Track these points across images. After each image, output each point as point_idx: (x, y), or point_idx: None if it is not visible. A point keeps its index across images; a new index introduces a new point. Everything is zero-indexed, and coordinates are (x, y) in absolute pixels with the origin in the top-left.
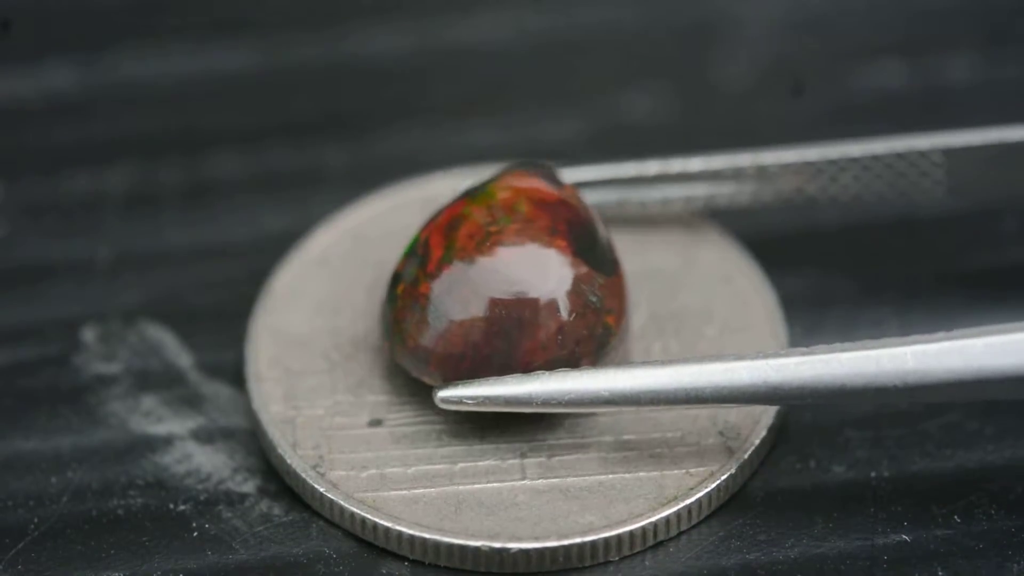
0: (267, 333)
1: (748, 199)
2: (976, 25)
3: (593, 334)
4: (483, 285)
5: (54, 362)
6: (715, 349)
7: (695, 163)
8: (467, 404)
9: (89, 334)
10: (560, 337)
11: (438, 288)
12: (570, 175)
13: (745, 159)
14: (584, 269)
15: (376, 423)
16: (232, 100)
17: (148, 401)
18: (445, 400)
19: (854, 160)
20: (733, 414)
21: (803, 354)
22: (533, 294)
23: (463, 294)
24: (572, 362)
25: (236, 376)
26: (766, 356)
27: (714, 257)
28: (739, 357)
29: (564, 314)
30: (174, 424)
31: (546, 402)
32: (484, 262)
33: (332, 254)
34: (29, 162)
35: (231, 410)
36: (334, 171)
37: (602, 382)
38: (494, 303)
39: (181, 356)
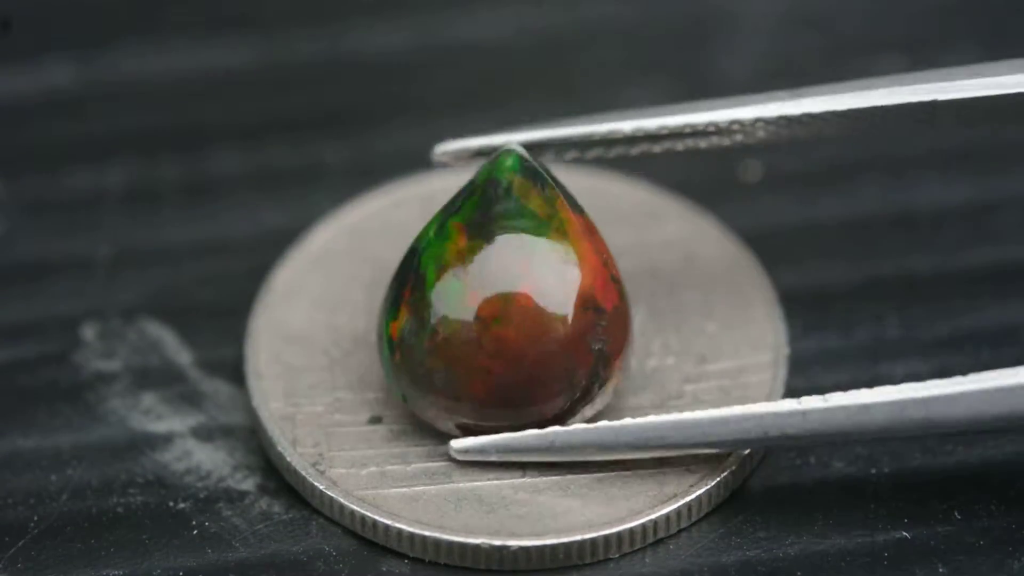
0: (267, 330)
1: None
2: (976, 22)
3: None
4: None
5: (54, 359)
6: (716, 346)
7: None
8: (489, 456)
9: (89, 331)
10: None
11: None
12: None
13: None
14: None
15: (376, 420)
16: (232, 97)
17: (148, 398)
18: (461, 451)
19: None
20: None
21: (824, 402)
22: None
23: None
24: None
25: (236, 373)
26: (792, 409)
27: (714, 253)
28: (755, 409)
29: (576, 372)
30: (174, 421)
31: (563, 454)
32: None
33: (332, 251)
34: (29, 159)
35: (231, 407)
36: (334, 168)
37: (621, 435)
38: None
39: (181, 353)
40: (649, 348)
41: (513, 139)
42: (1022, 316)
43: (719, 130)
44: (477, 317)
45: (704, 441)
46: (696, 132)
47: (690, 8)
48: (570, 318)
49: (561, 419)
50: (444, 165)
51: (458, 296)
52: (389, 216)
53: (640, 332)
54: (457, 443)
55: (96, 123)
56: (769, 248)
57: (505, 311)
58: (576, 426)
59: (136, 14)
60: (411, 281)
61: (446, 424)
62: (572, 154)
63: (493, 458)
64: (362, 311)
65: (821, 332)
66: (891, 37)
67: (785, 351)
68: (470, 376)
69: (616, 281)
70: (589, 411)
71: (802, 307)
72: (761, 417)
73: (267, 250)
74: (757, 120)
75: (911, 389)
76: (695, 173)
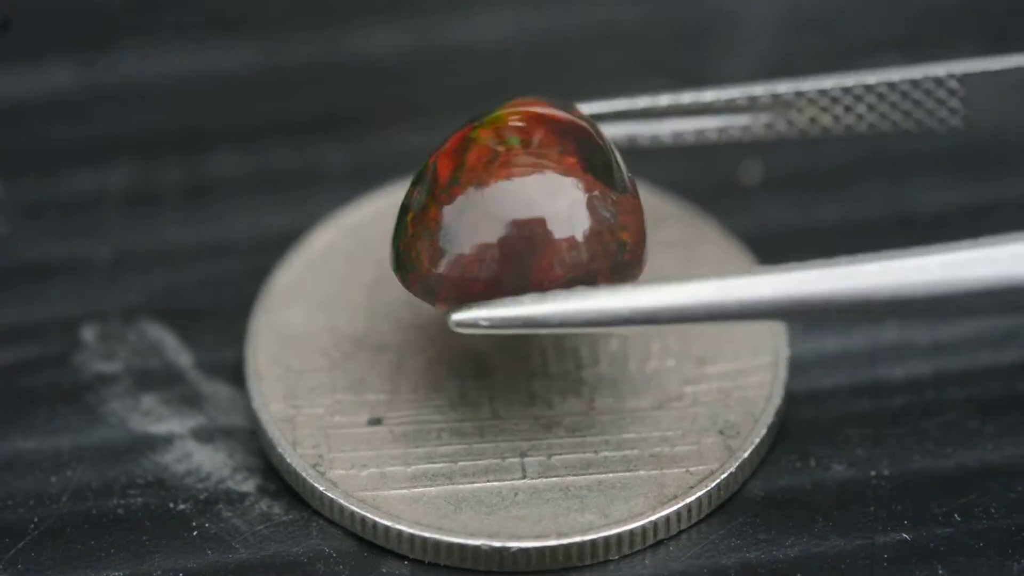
0: (267, 332)
1: (761, 130)
2: (976, 23)
3: (607, 251)
4: (494, 206)
5: (54, 361)
6: (715, 348)
7: (708, 95)
8: (483, 327)
9: (89, 333)
10: (574, 254)
11: (448, 213)
12: (582, 109)
13: (758, 89)
14: (596, 185)
15: (376, 422)
16: (232, 99)
17: (148, 400)
18: (460, 323)
19: (869, 88)
20: (733, 413)
21: (825, 266)
22: (544, 212)
23: (474, 217)
24: (588, 282)
25: (236, 375)
26: (786, 270)
27: (714, 255)
28: (761, 271)
29: (577, 231)
30: (174, 423)
31: (564, 322)
32: (494, 184)
33: (332, 252)
34: (29, 161)
35: (231, 409)
36: (334, 170)
37: (621, 300)
38: (505, 224)
39: (181, 355)
40: (649, 350)
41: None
42: (1021, 319)
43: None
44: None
45: (701, 311)
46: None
47: (690, 9)
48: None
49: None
50: None
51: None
52: (389, 218)
53: (640, 333)
54: (458, 314)
55: (97, 125)
56: (769, 249)
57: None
58: (579, 289)
59: (136, 15)
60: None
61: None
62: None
63: (487, 328)
64: (362, 313)
65: (820, 334)
66: (891, 37)
67: (785, 353)
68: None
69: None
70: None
71: None
72: (784, 282)
73: (267, 252)
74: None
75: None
76: (695, 174)
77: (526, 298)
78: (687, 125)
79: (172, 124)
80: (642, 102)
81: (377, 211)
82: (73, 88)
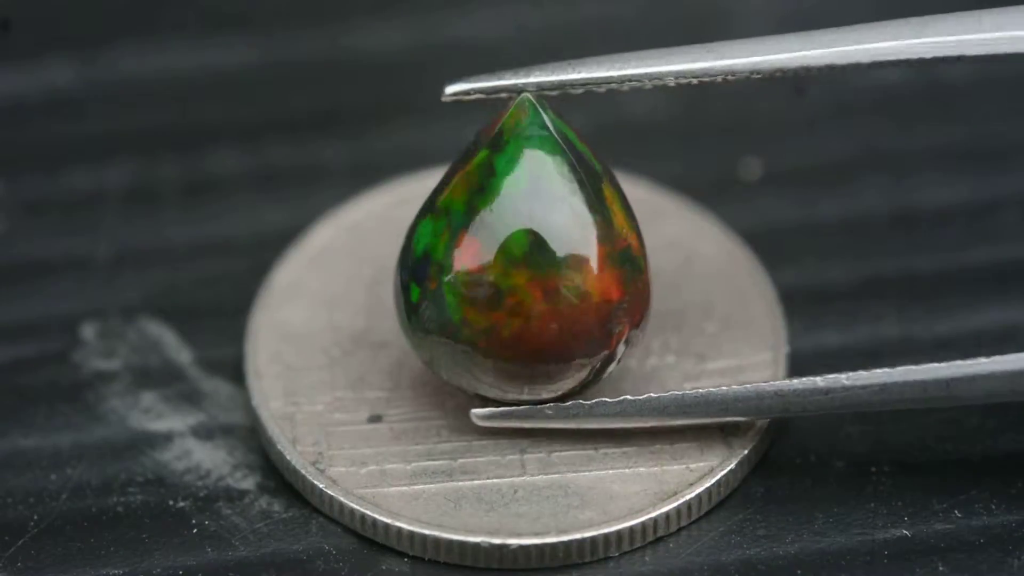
0: (267, 329)
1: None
2: None
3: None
4: None
5: (54, 359)
6: (715, 345)
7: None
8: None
9: (89, 331)
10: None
11: None
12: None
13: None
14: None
15: (376, 419)
16: (232, 96)
17: (148, 398)
18: (482, 417)
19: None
20: None
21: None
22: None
23: None
24: None
25: (236, 372)
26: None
27: (714, 252)
28: (777, 386)
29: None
30: (174, 421)
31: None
32: None
33: (332, 250)
34: (28, 159)
35: (231, 406)
36: (334, 167)
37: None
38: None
39: (181, 352)
40: (649, 347)
41: (526, 82)
42: (1022, 316)
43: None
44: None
45: (725, 410)
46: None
47: (689, 8)
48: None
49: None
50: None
51: None
52: (389, 215)
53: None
54: (479, 411)
55: (96, 122)
56: (769, 247)
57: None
58: (598, 400)
59: (136, 14)
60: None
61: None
62: (579, 91)
63: (514, 424)
64: (362, 310)
65: (821, 331)
66: None
67: (785, 350)
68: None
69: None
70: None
71: (802, 306)
72: (783, 394)
73: (267, 249)
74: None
75: (930, 369)
76: (695, 172)
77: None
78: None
79: (171, 122)
80: (617, 72)
81: (377, 208)
82: (73, 86)
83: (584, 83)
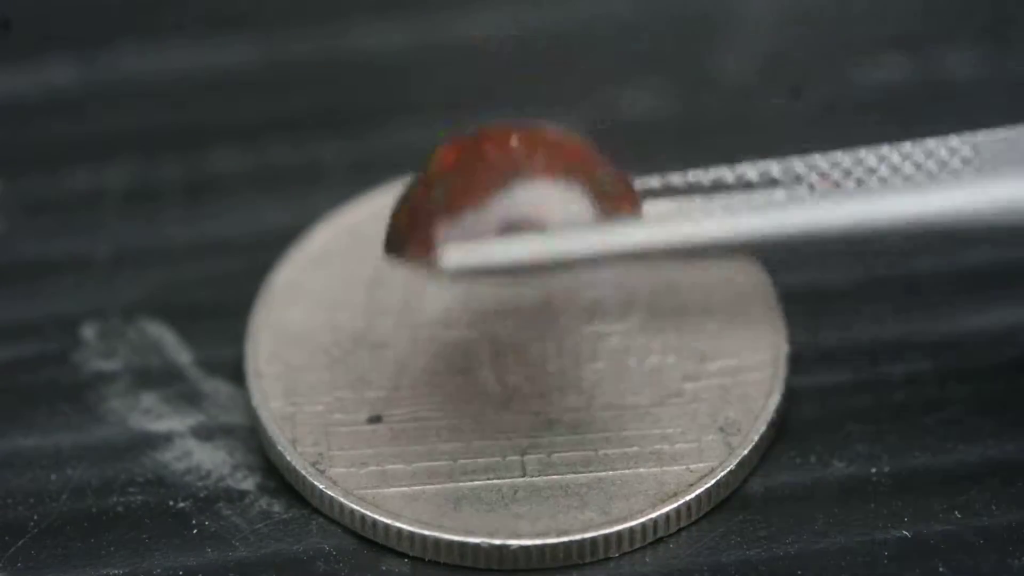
0: (267, 329)
1: None
2: (979, 19)
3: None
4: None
5: (53, 359)
6: (715, 345)
7: (725, 174)
8: (475, 266)
9: (89, 331)
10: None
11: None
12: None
13: (777, 169)
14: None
15: (376, 419)
16: (232, 96)
17: (148, 398)
18: (453, 265)
19: (882, 159)
20: (733, 410)
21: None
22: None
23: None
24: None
25: (236, 373)
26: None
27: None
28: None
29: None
30: (174, 421)
31: (557, 260)
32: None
33: (332, 250)
34: (28, 158)
35: (231, 407)
36: (334, 167)
37: (617, 236)
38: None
39: (181, 353)
40: (649, 346)
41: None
42: (1022, 316)
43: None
44: None
45: (696, 243)
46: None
47: (690, 7)
48: None
49: None
50: None
51: None
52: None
53: (640, 331)
54: (450, 254)
55: (96, 123)
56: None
57: None
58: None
59: (136, 14)
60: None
61: None
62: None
63: (482, 266)
64: (362, 311)
65: (821, 331)
66: (891, 36)
67: (785, 350)
68: None
69: None
70: None
71: (802, 306)
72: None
73: (267, 249)
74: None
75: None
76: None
77: (517, 239)
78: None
79: (172, 121)
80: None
81: (377, 208)
82: (73, 85)
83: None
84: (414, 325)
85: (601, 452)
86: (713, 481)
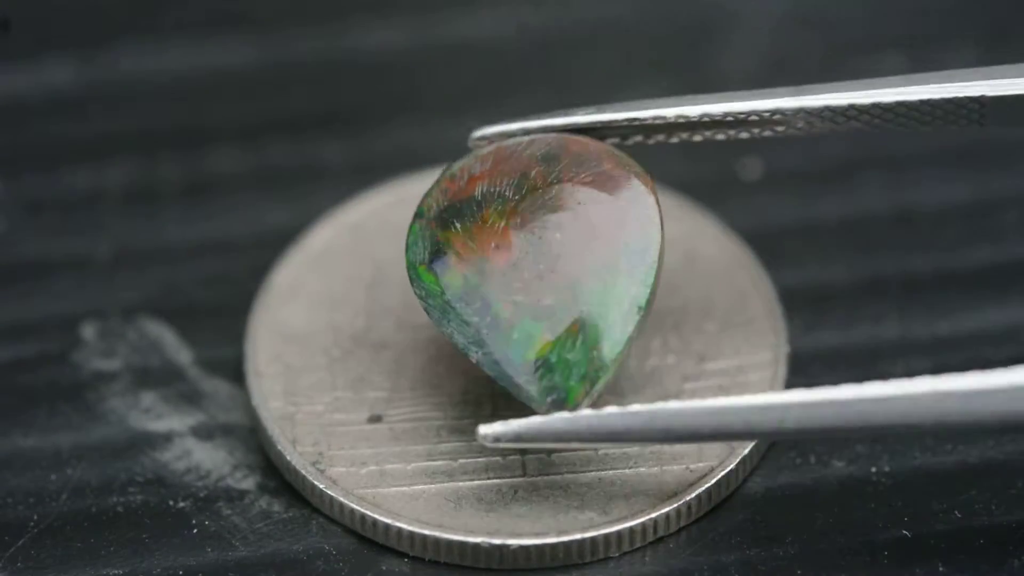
0: (267, 329)
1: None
2: (976, 20)
3: None
4: None
5: (54, 359)
6: (715, 345)
7: (717, 107)
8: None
9: (89, 331)
10: None
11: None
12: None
13: (766, 103)
14: None
15: (376, 419)
16: (231, 96)
17: (148, 398)
18: (489, 437)
19: (884, 107)
20: None
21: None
22: None
23: None
24: None
25: (236, 372)
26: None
27: (714, 252)
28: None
29: None
30: (174, 421)
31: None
32: None
33: (332, 250)
34: (28, 158)
35: (231, 406)
36: (334, 166)
37: (656, 419)
38: None
39: (181, 352)
40: (649, 347)
41: (551, 123)
42: (1022, 316)
43: (760, 120)
44: None
45: (740, 430)
46: (737, 121)
47: (690, 7)
48: None
49: None
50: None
51: None
52: (389, 215)
53: (640, 331)
54: (485, 429)
55: (96, 122)
56: (769, 247)
57: None
58: (609, 409)
59: (136, 14)
60: None
61: None
62: (612, 141)
63: (523, 444)
64: (362, 310)
65: (821, 331)
66: (891, 37)
67: (785, 350)
68: None
69: None
70: None
71: (802, 306)
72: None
73: (267, 249)
74: (798, 110)
75: (926, 383)
76: (695, 172)
77: (557, 418)
78: (695, 136)
79: (171, 121)
80: (647, 112)
81: (377, 208)
82: (72, 86)
83: (605, 125)
84: (414, 325)
85: (601, 452)
86: (713, 481)
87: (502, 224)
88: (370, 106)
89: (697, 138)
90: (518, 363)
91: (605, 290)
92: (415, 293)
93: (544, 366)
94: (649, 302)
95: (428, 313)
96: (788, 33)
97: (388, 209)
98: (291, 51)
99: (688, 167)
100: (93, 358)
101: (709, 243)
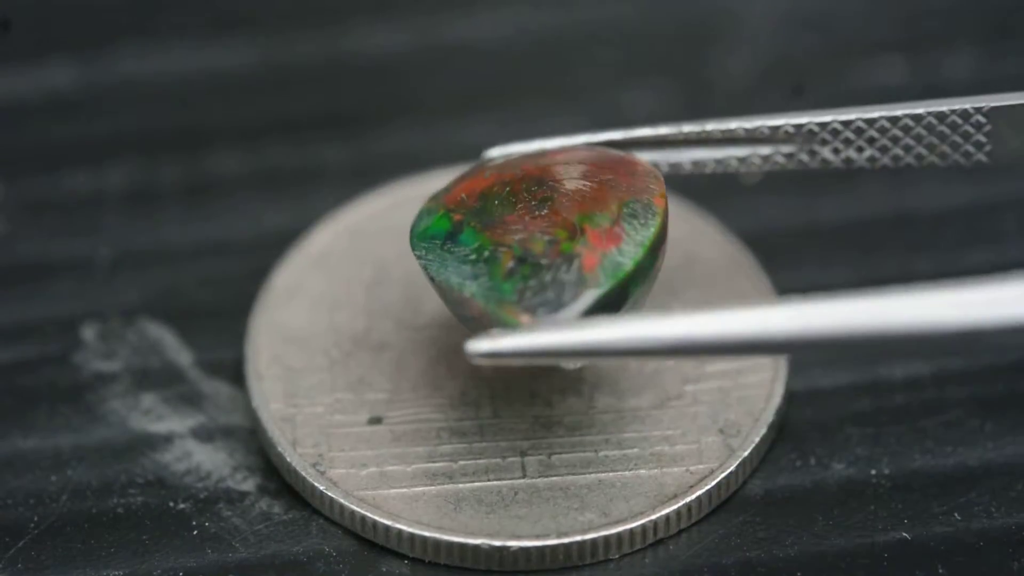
0: (267, 331)
1: (783, 160)
2: (976, 22)
3: None
4: None
5: (54, 360)
6: None
7: (731, 123)
8: (503, 356)
9: (89, 332)
10: None
11: None
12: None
13: (780, 120)
14: None
15: (376, 421)
16: (232, 98)
17: (148, 399)
18: (480, 354)
19: (893, 121)
20: (733, 411)
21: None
22: None
23: None
24: None
25: (236, 374)
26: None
27: (714, 254)
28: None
29: None
30: (174, 422)
31: (585, 350)
32: None
33: (332, 251)
34: (29, 160)
35: (231, 408)
36: (334, 168)
37: (647, 328)
38: None
39: (181, 354)
40: None
41: (566, 143)
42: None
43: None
44: None
45: (728, 342)
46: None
47: (690, 9)
48: None
49: None
50: None
51: None
52: (389, 217)
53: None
54: (473, 345)
55: (96, 124)
56: (769, 248)
57: None
58: (594, 320)
59: (136, 15)
60: None
61: None
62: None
63: (510, 361)
64: (362, 312)
65: None
66: (891, 38)
67: None
68: None
69: None
70: None
71: None
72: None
73: (267, 251)
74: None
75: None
76: (695, 173)
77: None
78: (707, 154)
79: (171, 123)
80: (663, 130)
81: (376, 210)
82: (73, 87)
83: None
84: (414, 327)
85: (601, 454)
86: (713, 483)
87: (507, 190)
88: (370, 108)
89: (711, 160)
90: (509, 290)
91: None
92: (415, 254)
93: (527, 270)
94: (644, 263)
95: (427, 270)
96: (788, 35)
97: (388, 211)
98: (291, 53)
99: (688, 168)
100: (93, 359)
101: (709, 245)
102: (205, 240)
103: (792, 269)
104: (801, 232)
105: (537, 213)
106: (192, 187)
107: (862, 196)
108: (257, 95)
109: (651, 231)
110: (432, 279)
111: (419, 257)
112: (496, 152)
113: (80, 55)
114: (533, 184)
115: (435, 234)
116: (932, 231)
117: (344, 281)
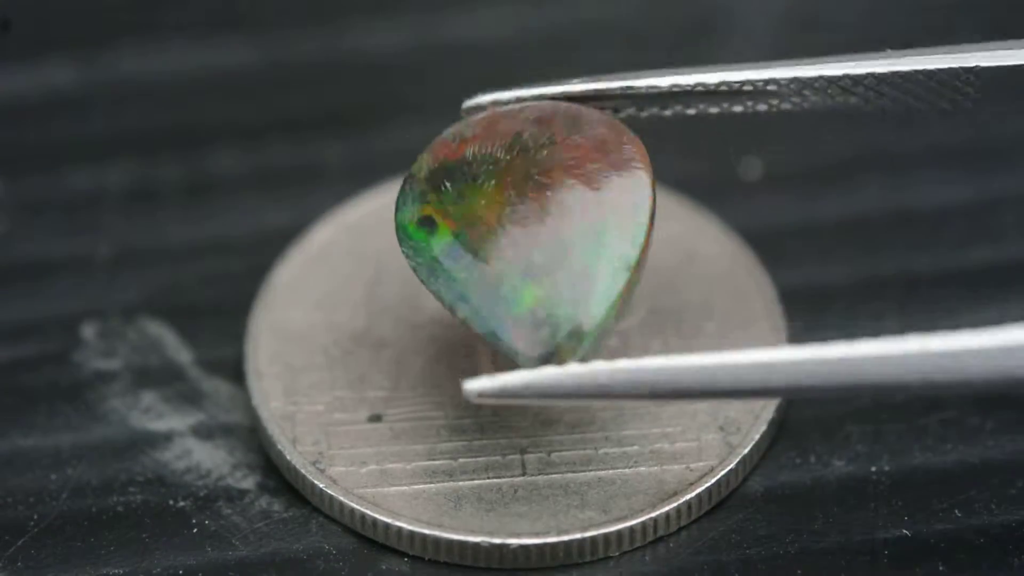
0: (267, 329)
1: (768, 108)
2: (976, 22)
3: None
4: None
5: (54, 359)
6: (715, 345)
7: (715, 76)
8: (499, 396)
9: (89, 330)
10: None
11: None
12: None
13: (767, 72)
14: None
15: (376, 419)
16: (232, 96)
17: (148, 397)
18: (476, 393)
19: (879, 78)
20: (733, 409)
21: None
22: None
23: None
24: None
25: (236, 372)
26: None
27: (714, 252)
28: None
29: None
30: (174, 420)
31: (581, 392)
32: None
33: (332, 250)
34: (29, 159)
35: (231, 406)
36: (334, 167)
37: (645, 373)
38: None
39: (181, 352)
40: (649, 347)
41: (545, 92)
42: (1022, 316)
43: (755, 91)
44: None
45: (727, 388)
46: (731, 92)
47: (690, 8)
48: None
49: None
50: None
51: None
52: (389, 215)
53: (640, 330)
54: (470, 384)
55: (96, 123)
56: (769, 247)
57: None
58: (596, 363)
59: (136, 14)
60: None
61: None
62: (606, 112)
63: (508, 401)
64: (362, 310)
65: (821, 331)
66: (891, 36)
67: None
68: None
69: None
70: None
71: (802, 306)
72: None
73: (267, 249)
74: (792, 80)
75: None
76: (695, 171)
77: (548, 372)
78: (692, 108)
79: (172, 122)
80: (642, 82)
81: (377, 208)
82: (73, 86)
83: (599, 94)
84: (414, 324)
85: (601, 451)
86: (713, 480)
87: (492, 183)
88: (370, 106)
89: (691, 111)
90: (505, 318)
91: (594, 247)
92: (403, 252)
93: (532, 321)
94: (639, 263)
95: (416, 272)
96: (788, 34)
97: (388, 209)
98: (291, 51)
99: (688, 166)
100: (93, 358)
101: (709, 243)
102: (205, 238)
103: (792, 267)
104: (801, 230)
105: (524, 225)
106: (192, 186)
107: (862, 192)
108: (257, 93)
109: (640, 243)
110: (422, 282)
111: (407, 257)
112: (474, 102)
113: (80, 54)
114: (520, 178)
115: (419, 238)
116: (932, 228)
117: (344, 279)
